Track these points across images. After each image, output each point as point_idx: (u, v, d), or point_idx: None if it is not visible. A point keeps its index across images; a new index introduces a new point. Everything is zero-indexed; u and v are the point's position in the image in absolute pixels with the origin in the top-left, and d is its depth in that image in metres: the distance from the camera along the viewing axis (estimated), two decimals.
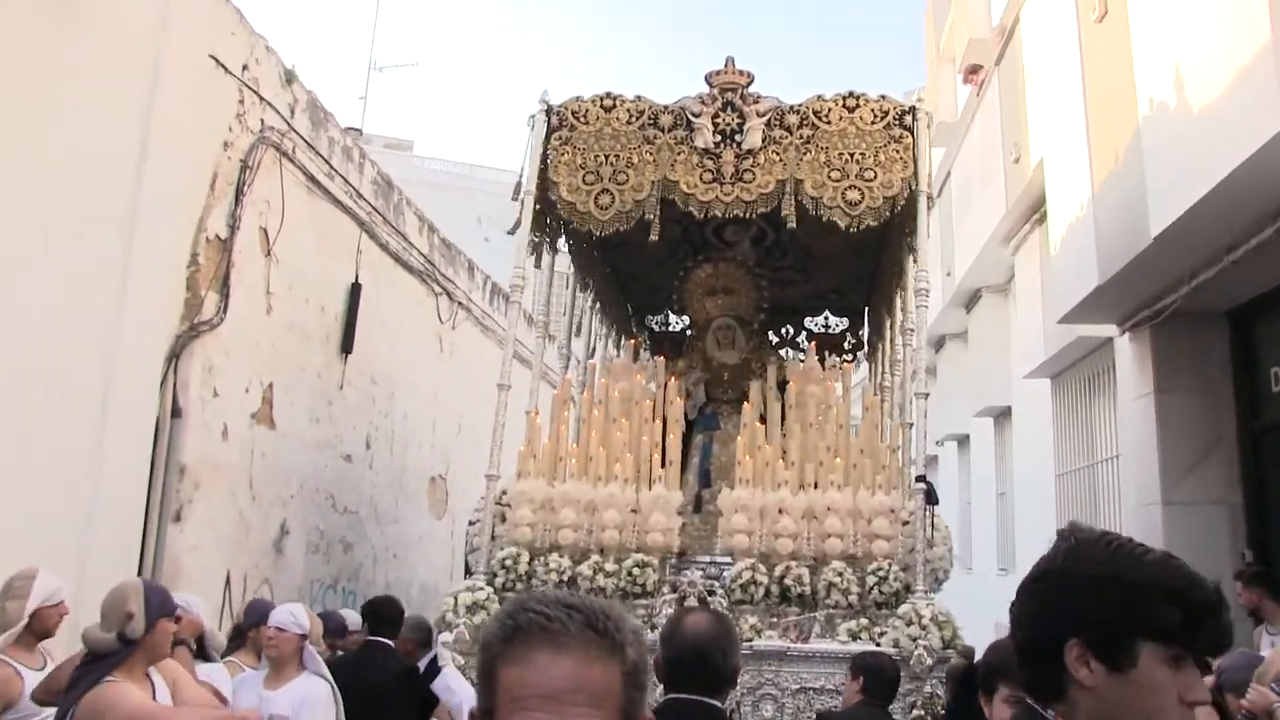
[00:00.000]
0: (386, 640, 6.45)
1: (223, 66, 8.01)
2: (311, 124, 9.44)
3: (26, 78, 6.00)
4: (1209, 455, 9.04)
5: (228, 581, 7.92)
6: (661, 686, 3.09)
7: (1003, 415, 15.23)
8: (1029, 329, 12.48)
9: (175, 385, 7.43)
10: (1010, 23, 12.59)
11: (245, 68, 8.36)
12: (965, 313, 16.39)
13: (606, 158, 7.52)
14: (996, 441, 15.75)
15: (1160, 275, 8.33)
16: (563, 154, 7.58)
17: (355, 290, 10.21)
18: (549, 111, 7.67)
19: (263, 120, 8.54)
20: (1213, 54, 6.66)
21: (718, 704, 3.06)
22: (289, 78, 9.06)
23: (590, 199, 7.44)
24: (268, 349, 8.67)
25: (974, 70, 14.85)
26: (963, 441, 17.96)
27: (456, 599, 6.69)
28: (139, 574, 6.82)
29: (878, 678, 5.19)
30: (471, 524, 7.48)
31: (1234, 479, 8.95)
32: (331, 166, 9.78)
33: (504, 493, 7.30)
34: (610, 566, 6.83)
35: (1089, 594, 1.80)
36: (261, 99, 8.53)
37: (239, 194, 8.16)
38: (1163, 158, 7.46)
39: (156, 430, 7.23)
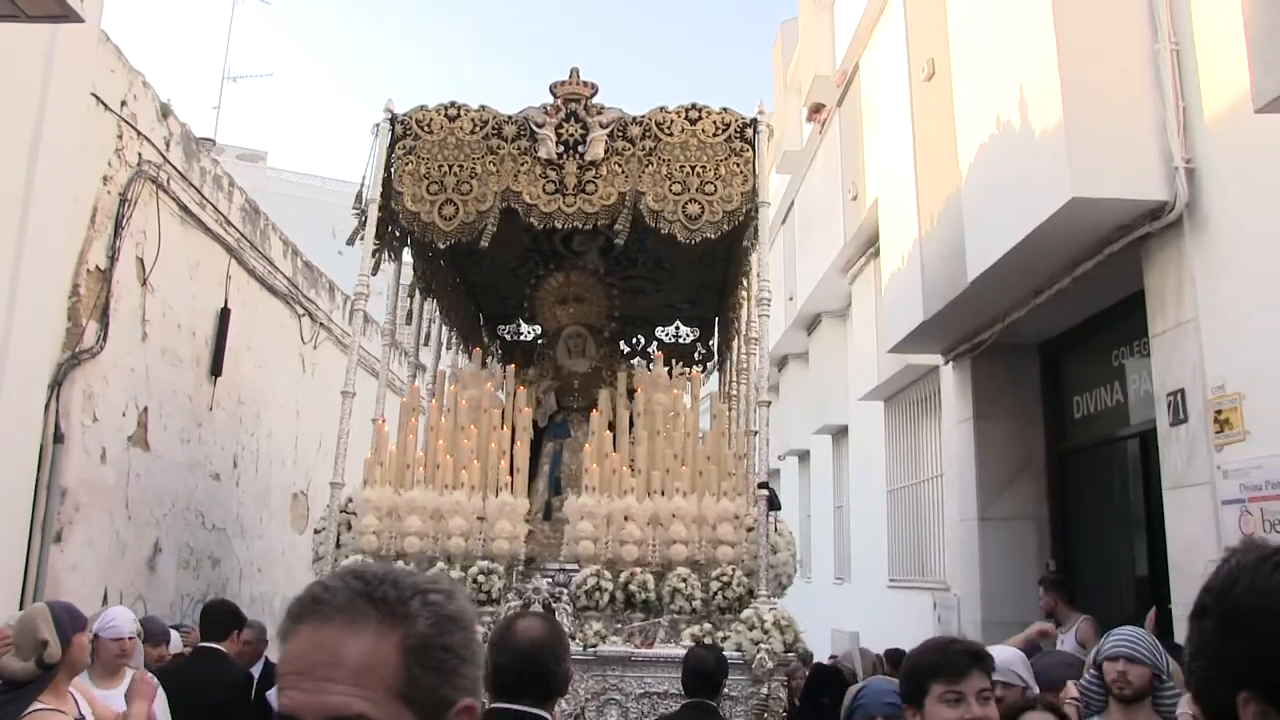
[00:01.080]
0: (218, 646, 6.45)
1: (103, 103, 8.31)
2: (185, 155, 9.75)
3: None
4: (1020, 475, 9.92)
5: (105, 598, 8.19)
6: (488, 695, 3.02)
7: (840, 433, 16.08)
8: (864, 354, 13.27)
9: (57, 411, 7.73)
10: (851, 68, 13.40)
11: (124, 103, 8.65)
12: (807, 335, 17.18)
13: (450, 167, 7.47)
14: (834, 458, 16.60)
15: (978, 313, 9.16)
16: (407, 163, 7.50)
17: (224, 315, 10.51)
18: (393, 120, 7.61)
19: (140, 154, 8.84)
20: (1018, 123, 7.49)
21: (544, 714, 3.00)
22: (165, 111, 9.36)
23: (434, 209, 7.38)
24: (143, 374, 8.97)
25: (817, 109, 15.65)
26: (803, 457, 18.79)
27: None
28: (22, 592, 7.13)
29: (696, 674, 5.23)
30: (317, 532, 7.39)
31: (1041, 496, 9.84)
32: (203, 196, 10.09)
33: (349, 500, 7.26)
34: (456, 574, 6.71)
35: (1258, 635, 1.38)
36: (139, 134, 8.82)
37: (118, 227, 8.45)
38: (978, 210, 8.28)
39: (40, 455, 7.52)
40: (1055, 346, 9.83)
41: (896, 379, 12.39)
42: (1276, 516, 5.57)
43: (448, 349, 10.16)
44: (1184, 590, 6.45)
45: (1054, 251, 7.45)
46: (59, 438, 7.72)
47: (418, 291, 9.23)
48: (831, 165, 14.37)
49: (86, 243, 8.14)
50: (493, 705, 2.96)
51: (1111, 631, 4.62)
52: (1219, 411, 6.13)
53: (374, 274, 7.85)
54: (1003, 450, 10.02)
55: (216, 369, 10.42)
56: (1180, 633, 5.89)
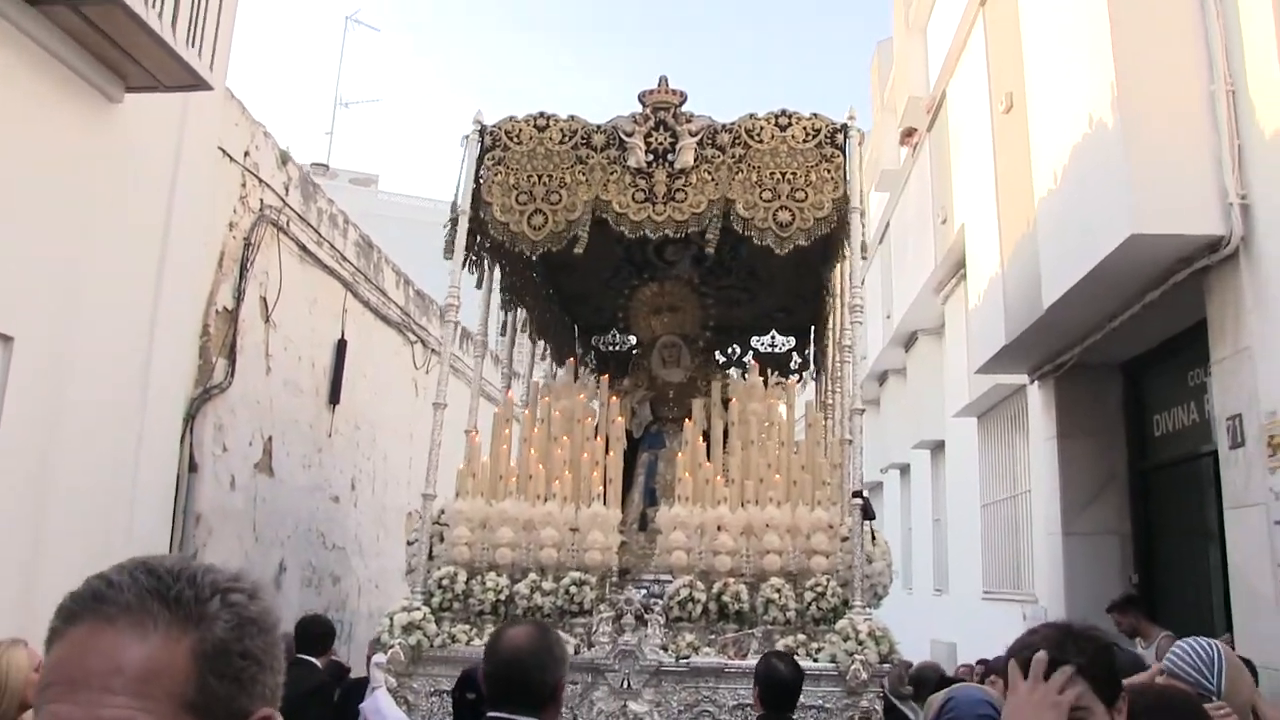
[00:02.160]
0: (310, 658, 6.93)
1: (228, 155, 9.02)
2: (303, 198, 10.47)
3: (74, 171, 7.00)
4: (1103, 491, 10.20)
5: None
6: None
7: (938, 448, 16.36)
8: (958, 372, 13.54)
9: (191, 443, 8.45)
10: (939, 95, 13.75)
11: (246, 154, 9.36)
12: (904, 351, 17.50)
13: (540, 177, 7.40)
14: (933, 472, 16.89)
15: (1058, 335, 9.48)
16: (496, 174, 7.44)
17: (341, 346, 11.22)
18: (482, 131, 7.55)
19: (262, 200, 9.56)
20: (1084, 159, 7.83)
21: None
22: (284, 158, 10.09)
23: (524, 219, 7.33)
24: (267, 405, 9.69)
25: (910, 133, 16.01)
26: (904, 470, 19.08)
27: (392, 619, 6.58)
28: None
29: (770, 685, 5.05)
30: (410, 544, 7.32)
31: (1124, 512, 10.11)
32: (320, 235, 10.81)
33: (442, 512, 7.22)
34: (548, 585, 6.69)
35: None
36: (261, 181, 9.55)
37: (243, 269, 9.18)
38: (1051, 240, 8.62)
39: (176, 483, 8.25)
40: (1136, 366, 10.08)
41: (988, 396, 12.69)
42: None
43: (542, 360, 10.03)
44: (1245, 606, 6.74)
45: (1121, 281, 7.77)
46: (193, 467, 8.44)
47: (513, 303, 9.11)
48: (923, 188, 14.72)
49: (215, 285, 8.85)
50: (489, 714, 2.99)
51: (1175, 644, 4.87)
52: (1272, 436, 6.43)
53: (478, 287, 8.18)
54: (1087, 467, 10.30)
55: (335, 397, 11.11)
56: (1241, 647, 6.17)
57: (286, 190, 10.08)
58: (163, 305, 7.89)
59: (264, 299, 9.63)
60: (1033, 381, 11.04)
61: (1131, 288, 7.93)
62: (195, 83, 7.39)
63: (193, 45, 7.19)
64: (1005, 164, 10.10)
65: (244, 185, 9.33)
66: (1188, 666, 3.87)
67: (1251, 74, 6.77)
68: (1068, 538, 10.18)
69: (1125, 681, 4.10)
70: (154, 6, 6.73)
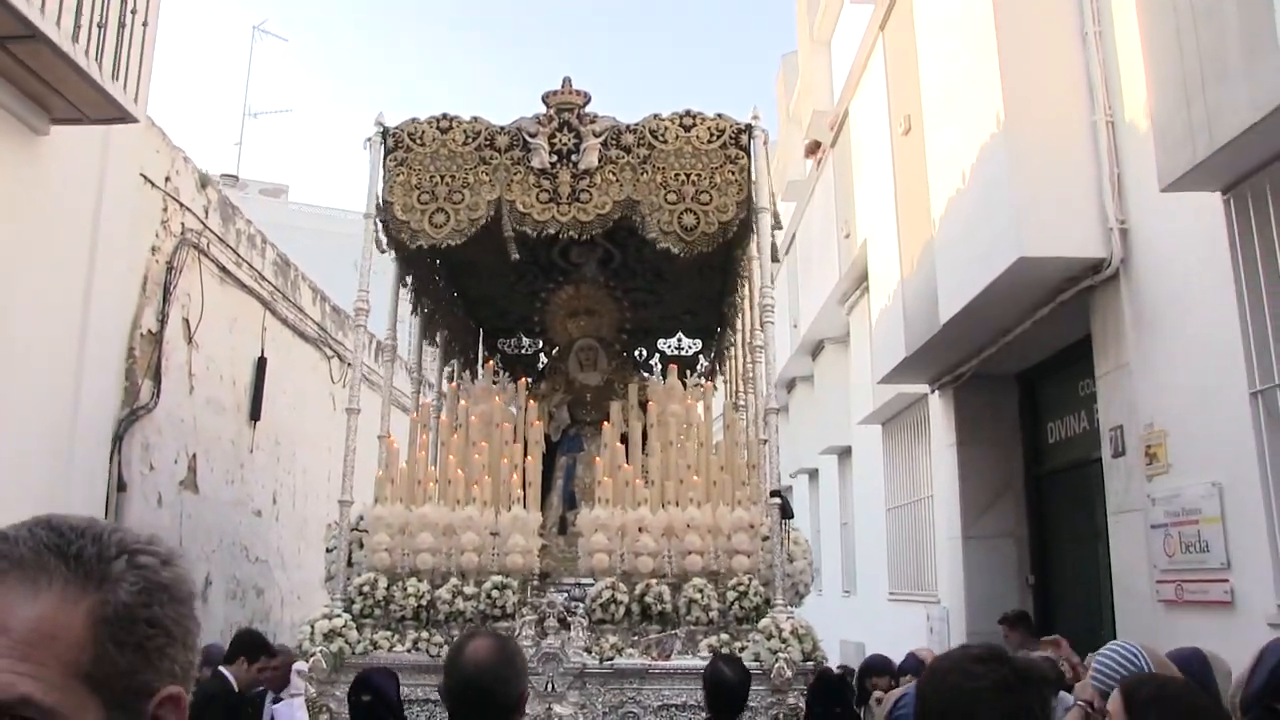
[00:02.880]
0: (223, 669, 6.89)
1: (150, 181, 9.20)
2: (222, 220, 10.65)
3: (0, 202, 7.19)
4: (1001, 496, 10.67)
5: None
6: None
7: (845, 453, 16.80)
8: (863, 380, 13.94)
9: (119, 462, 8.63)
10: (842, 112, 14.20)
11: (168, 179, 9.55)
12: (812, 359, 17.94)
13: (443, 178, 7.37)
14: (840, 477, 17.37)
15: (955, 348, 9.93)
16: (398, 175, 7.42)
17: (261, 364, 11.43)
18: (385, 133, 7.52)
19: (183, 224, 9.76)
20: (975, 183, 8.29)
21: None
22: (203, 181, 10.28)
23: (425, 218, 7.30)
24: (191, 424, 9.88)
25: (815, 146, 16.48)
26: (813, 475, 19.51)
27: (313, 627, 6.52)
28: None
29: (716, 689, 5.09)
30: (329, 551, 7.23)
31: (1020, 516, 10.58)
32: (239, 255, 11.00)
33: (360, 519, 7.20)
34: (469, 589, 6.69)
35: None
36: (181, 205, 9.73)
37: (166, 292, 9.38)
38: (946, 260, 9.06)
39: (106, 502, 8.42)
40: (1031, 376, 10.57)
41: (891, 404, 13.13)
42: (1190, 539, 6.36)
43: (447, 366, 9.84)
44: (1125, 605, 7.24)
45: (1013, 299, 8.23)
46: (122, 486, 8.65)
47: (420, 306, 8.95)
48: (828, 201, 15.13)
49: (139, 309, 9.04)
50: None
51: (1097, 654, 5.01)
52: (1149, 446, 6.92)
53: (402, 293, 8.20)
54: (985, 473, 10.76)
55: (255, 414, 11.33)
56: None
57: (206, 213, 10.27)
58: (90, 330, 8.09)
59: (186, 320, 9.81)
60: (933, 391, 11.51)
61: (1023, 304, 8.39)
62: (120, 115, 7.61)
63: (116, 79, 7.41)
64: (904, 183, 10.54)
65: (165, 210, 9.53)
66: (1113, 679, 3.73)
67: (1129, 106, 7.25)
68: (967, 541, 10.64)
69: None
70: (77, 41, 6.93)
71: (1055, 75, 7.73)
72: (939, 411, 11.49)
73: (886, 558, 14.02)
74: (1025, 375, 10.68)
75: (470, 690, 2.91)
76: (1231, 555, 6.08)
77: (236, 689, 6.76)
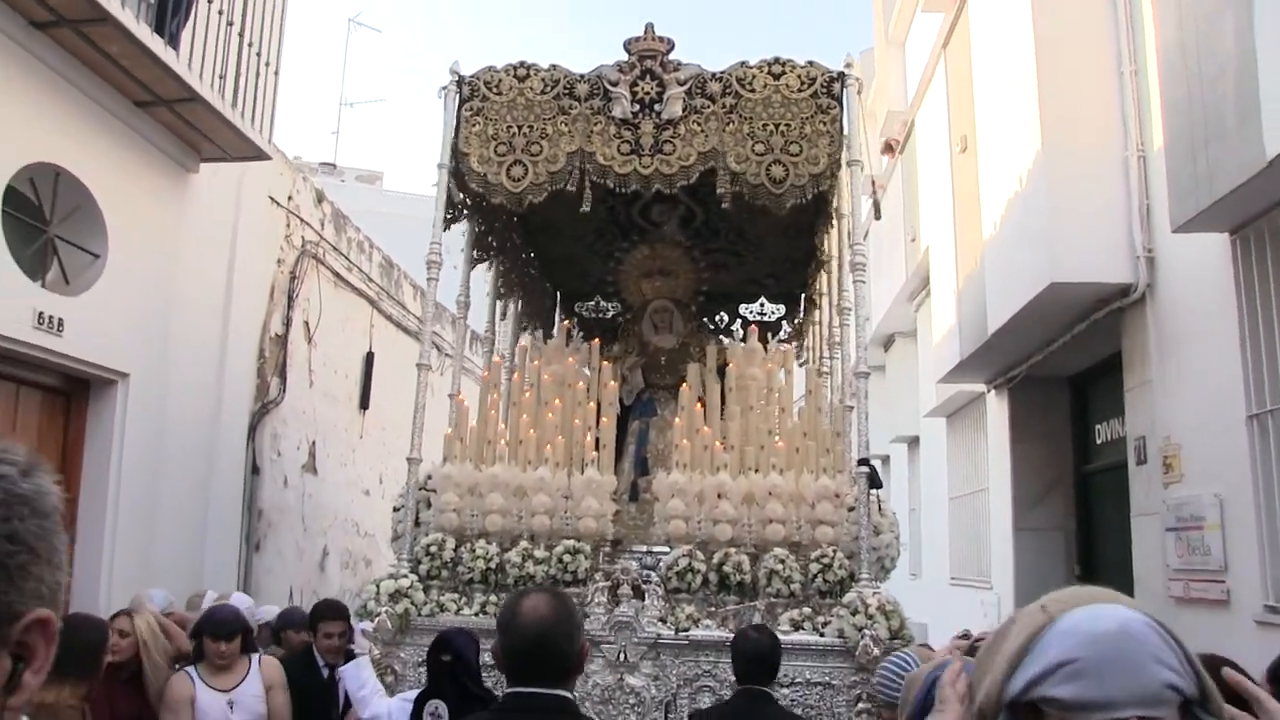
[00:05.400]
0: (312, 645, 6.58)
1: (276, 201, 10.31)
2: (335, 230, 11.77)
3: (161, 230, 8.33)
4: (1051, 491, 11.39)
5: (290, 595, 10.31)
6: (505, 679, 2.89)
7: (913, 443, 17.58)
8: (929, 375, 14.79)
9: (253, 450, 9.81)
10: (910, 122, 14.95)
11: (290, 197, 10.67)
12: (884, 351, 18.69)
13: (520, 128, 7.00)
14: (909, 465, 18.16)
15: (1006, 355, 10.72)
16: (474, 125, 7.07)
17: (369, 358, 12.57)
18: (460, 82, 7.19)
19: (303, 237, 10.87)
20: (1017, 209, 9.05)
21: (566, 694, 2.84)
22: (319, 197, 11.40)
23: (502, 170, 6.93)
24: (310, 414, 11.05)
25: (889, 145, 17.13)
26: (885, 461, 20.28)
27: (379, 587, 6.31)
28: (238, 589, 9.20)
29: (744, 659, 4.89)
30: (395, 510, 7.00)
31: (1069, 510, 11.28)
32: (350, 261, 12.12)
33: (429, 477, 6.88)
34: (540, 553, 6.39)
35: None
36: (302, 220, 10.84)
37: (290, 299, 10.50)
38: (994, 275, 9.83)
39: (244, 485, 9.61)
40: (1081, 380, 11.27)
41: (954, 400, 13.86)
42: (1196, 543, 7.18)
43: (523, 329, 9.51)
44: (1144, 600, 8.05)
45: (1050, 317, 9.01)
46: (255, 470, 9.83)
47: (490, 262, 8.59)
48: (896, 202, 15.86)
49: (267, 315, 10.16)
50: (509, 690, 2.85)
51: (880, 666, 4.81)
52: (1166, 457, 7.72)
53: (471, 261, 7.86)
54: (1036, 469, 11.49)
55: (364, 403, 12.49)
56: None
57: (322, 225, 11.37)
58: (229, 336, 9.22)
59: (306, 322, 10.93)
60: (990, 390, 12.28)
61: (1061, 321, 9.16)
62: (257, 154, 8.71)
63: (253, 123, 8.48)
64: (961, 199, 11.27)
65: (288, 225, 10.61)
66: (891, 689, 3.85)
67: (1158, 142, 7.97)
68: (1018, 532, 11.38)
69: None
70: (218, 90, 8.04)
71: (1091, 111, 8.43)
72: (995, 409, 12.21)
73: (949, 544, 14.79)
74: (1076, 378, 11.34)
75: (531, 648, 2.80)
76: (1229, 559, 6.89)
77: (321, 662, 6.48)
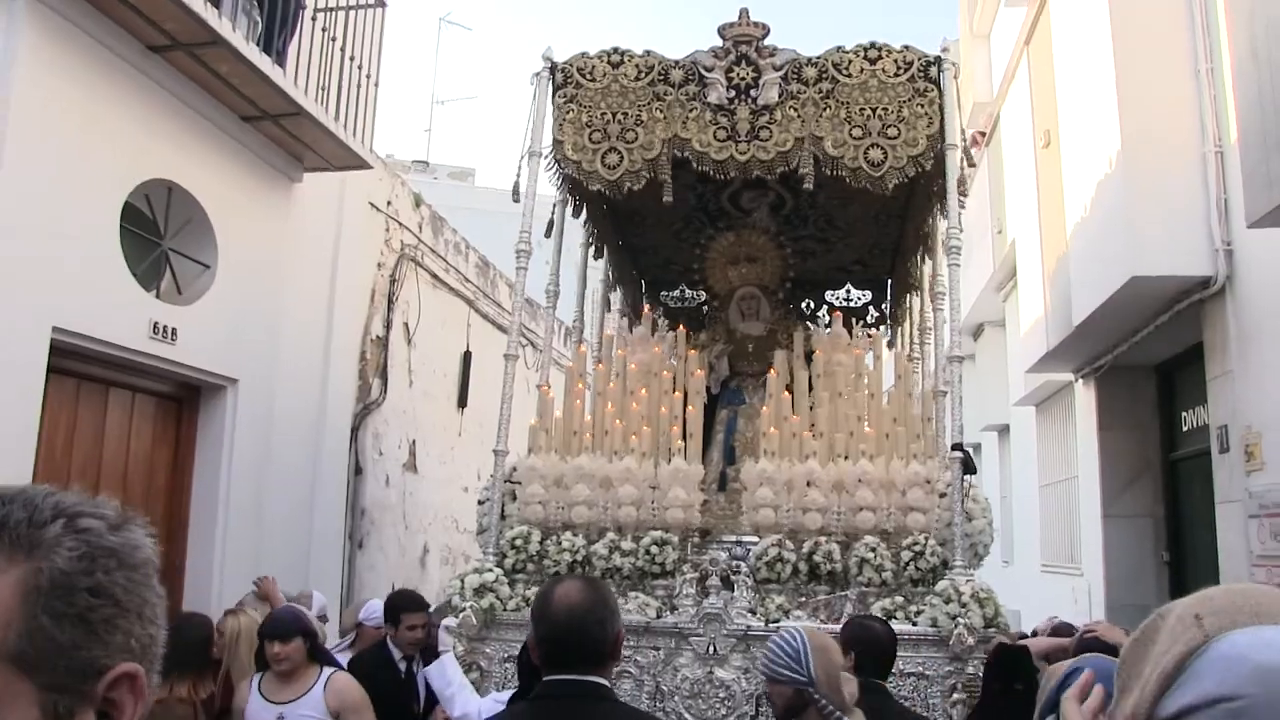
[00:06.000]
0: (388, 640, 6.56)
1: (375, 207, 10.74)
2: (433, 232, 12.19)
3: (267, 238, 8.78)
4: (1140, 478, 11.46)
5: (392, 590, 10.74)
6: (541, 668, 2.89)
7: (1003, 431, 17.65)
8: (1018, 363, 14.90)
9: (356, 450, 10.25)
10: (995, 115, 15.04)
11: (389, 202, 11.09)
12: (973, 340, 18.76)
13: (614, 115, 6.97)
14: (1000, 453, 18.23)
15: (1092, 344, 10.81)
16: (567, 112, 7.05)
17: (467, 357, 13.00)
18: (553, 69, 7.16)
19: (402, 241, 11.30)
20: (1100, 203, 9.18)
21: (602, 680, 2.83)
22: (417, 201, 11.81)
23: (597, 157, 6.91)
24: (411, 413, 11.48)
25: (977, 138, 17.18)
26: (975, 449, 20.37)
27: (463, 582, 6.23)
28: (341, 586, 9.64)
29: (873, 651, 4.69)
30: (480, 503, 6.93)
31: (1157, 497, 11.34)
32: (447, 262, 12.54)
33: (514, 469, 6.83)
34: (627, 545, 6.33)
35: None
36: (401, 225, 11.27)
37: (390, 302, 10.94)
38: (1079, 266, 9.97)
39: (347, 484, 10.05)
40: (1168, 367, 11.32)
41: (1043, 389, 13.94)
42: (1277, 530, 7.30)
43: (608, 314, 9.59)
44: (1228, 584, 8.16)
45: (1133, 308, 9.13)
46: (358, 470, 10.25)
47: (585, 253, 8.73)
48: (983, 194, 15.94)
49: (369, 318, 10.59)
50: (546, 678, 2.85)
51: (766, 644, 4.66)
52: (1248, 445, 7.83)
53: (546, 235, 7.69)
54: (1124, 456, 11.57)
55: (463, 401, 12.91)
56: None
57: (420, 228, 11.79)
58: (333, 340, 9.67)
59: (406, 324, 11.36)
60: (1077, 379, 12.37)
61: (1144, 312, 9.28)
62: (358, 163, 9.12)
63: (355, 133, 8.89)
64: (1045, 193, 11.40)
65: (387, 229, 11.03)
66: (779, 666, 3.71)
67: (1233, 137, 8.08)
68: (1108, 519, 11.48)
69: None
70: (321, 103, 8.45)
71: (1169, 107, 8.54)
72: (1083, 398, 12.31)
73: (1040, 531, 14.89)
74: (1162, 366, 11.39)
75: (566, 636, 2.80)
76: None
77: (398, 656, 6.48)
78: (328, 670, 5.37)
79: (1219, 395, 8.51)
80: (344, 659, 6.46)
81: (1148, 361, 11.40)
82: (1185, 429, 11.08)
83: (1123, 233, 8.55)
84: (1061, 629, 7.19)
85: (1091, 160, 9.50)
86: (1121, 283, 8.50)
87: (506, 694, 5.11)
